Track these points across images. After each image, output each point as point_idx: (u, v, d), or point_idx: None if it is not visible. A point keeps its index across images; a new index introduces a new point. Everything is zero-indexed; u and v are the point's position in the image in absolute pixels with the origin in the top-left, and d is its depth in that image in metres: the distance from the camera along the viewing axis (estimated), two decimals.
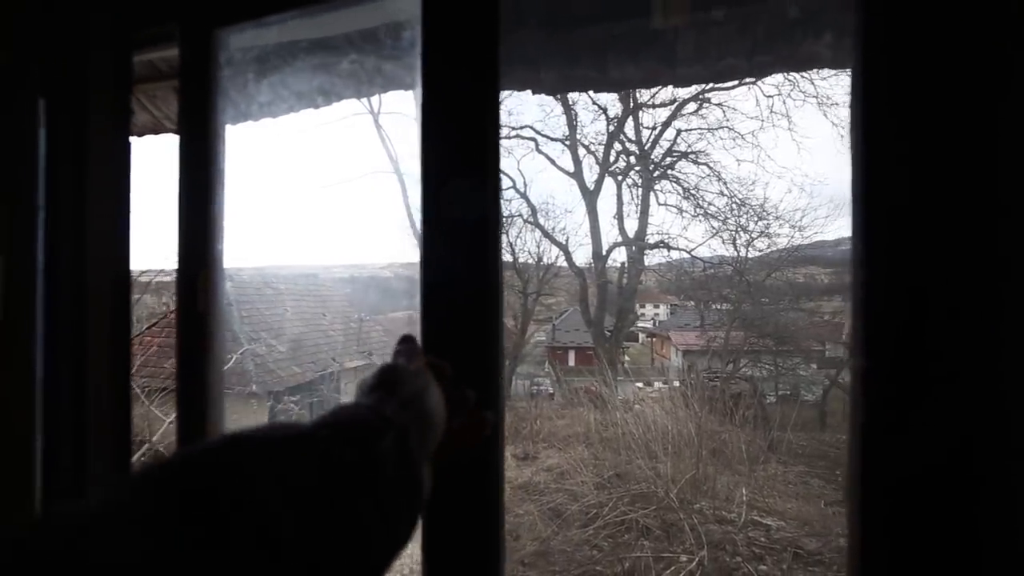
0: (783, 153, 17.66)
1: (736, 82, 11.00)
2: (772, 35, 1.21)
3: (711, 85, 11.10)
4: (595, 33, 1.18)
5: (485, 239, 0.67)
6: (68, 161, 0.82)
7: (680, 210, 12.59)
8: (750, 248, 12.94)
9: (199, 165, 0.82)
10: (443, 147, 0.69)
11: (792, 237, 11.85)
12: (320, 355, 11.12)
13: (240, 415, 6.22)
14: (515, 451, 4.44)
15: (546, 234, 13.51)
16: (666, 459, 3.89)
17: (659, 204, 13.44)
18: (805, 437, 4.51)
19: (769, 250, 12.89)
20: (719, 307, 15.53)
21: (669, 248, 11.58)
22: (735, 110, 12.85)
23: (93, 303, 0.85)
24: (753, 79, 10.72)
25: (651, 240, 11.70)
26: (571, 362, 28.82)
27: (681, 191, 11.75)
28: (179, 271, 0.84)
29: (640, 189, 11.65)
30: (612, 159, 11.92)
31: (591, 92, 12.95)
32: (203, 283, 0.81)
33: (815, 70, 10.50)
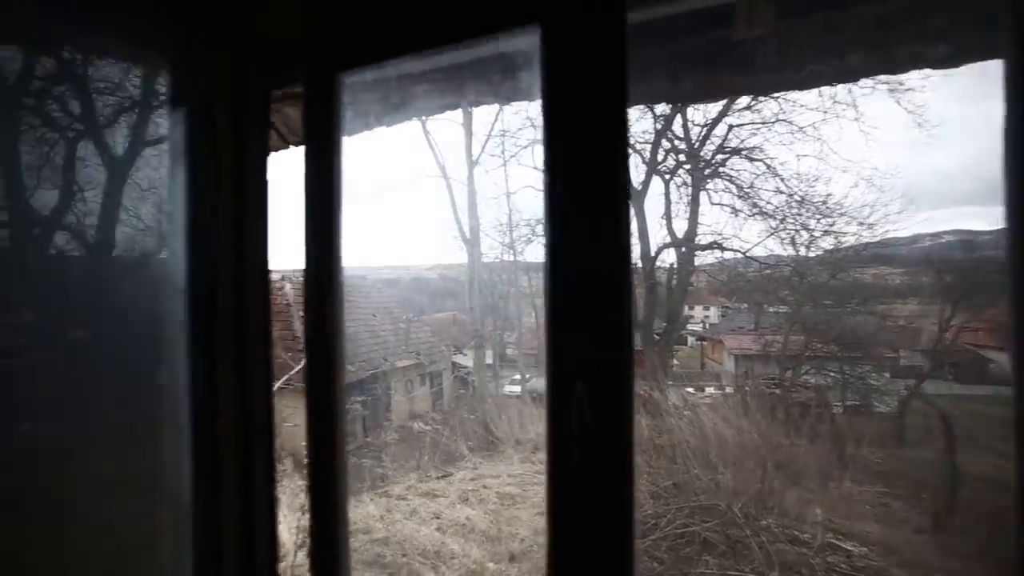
0: (848, 145, 16.39)
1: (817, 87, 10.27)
2: (865, 38, 1.13)
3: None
4: (670, 47, 1.16)
5: (619, 276, 0.69)
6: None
7: (734, 209, 11.96)
8: (811, 247, 12.09)
9: (324, 190, 0.93)
10: (571, 192, 0.71)
11: (859, 235, 10.95)
12: (371, 354, 11.55)
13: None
14: None
15: None
16: (726, 470, 3.71)
17: (711, 204, 12.79)
18: (882, 453, 4.14)
19: (833, 249, 11.98)
20: (776, 310, 14.62)
21: (722, 249, 11.06)
22: (793, 102, 12.06)
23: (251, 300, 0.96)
24: (840, 83, 9.90)
25: (702, 240, 11.23)
26: None
27: (735, 189, 11.16)
28: (306, 273, 0.95)
29: (690, 188, 11.20)
30: (660, 158, 11.55)
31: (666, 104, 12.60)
32: (329, 306, 0.89)
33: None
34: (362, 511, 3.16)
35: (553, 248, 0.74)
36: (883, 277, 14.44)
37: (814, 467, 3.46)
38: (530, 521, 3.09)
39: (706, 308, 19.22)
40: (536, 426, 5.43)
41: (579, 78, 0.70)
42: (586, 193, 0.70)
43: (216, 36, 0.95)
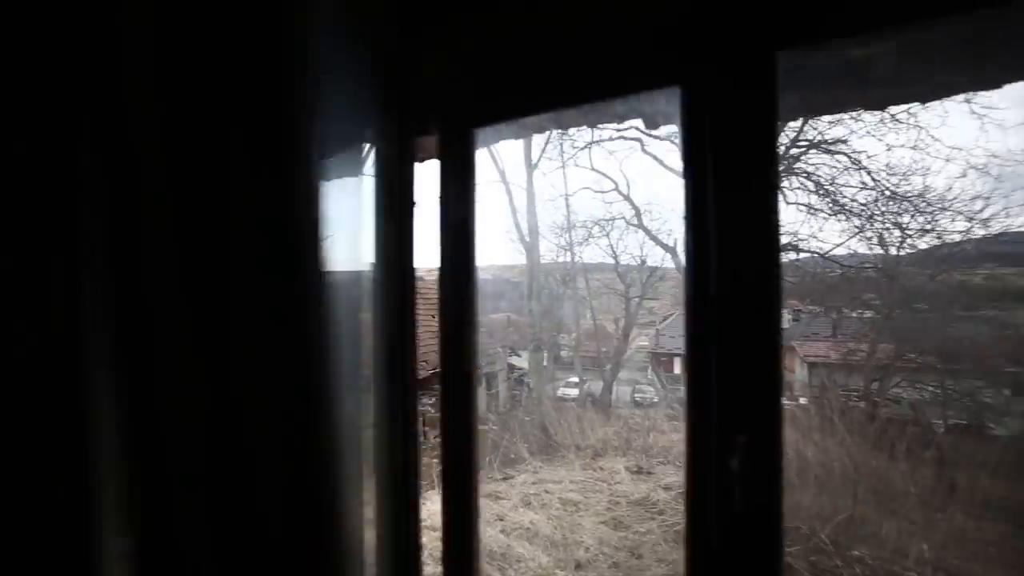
0: (955, 130, 14.54)
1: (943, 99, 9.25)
2: (1010, 42, 1.00)
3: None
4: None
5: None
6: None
7: (810, 208, 11.07)
8: (903, 247, 10.81)
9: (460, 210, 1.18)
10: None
11: (969, 231, 9.61)
12: (431, 355, 11.96)
13: None
14: (628, 464, 4.28)
15: (651, 236, 12.86)
16: (805, 491, 3.44)
17: (786, 203, 11.96)
18: (1001, 484, 3.59)
19: (932, 247, 10.62)
20: (858, 315, 13.27)
21: (798, 251, 10.21)
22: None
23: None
24: (974, 93, 8.84)
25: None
26: (677, 369, 27.04)
27: (812, 186, 10.23)
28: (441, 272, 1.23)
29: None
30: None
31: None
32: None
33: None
34: (431, 508, 3.28)
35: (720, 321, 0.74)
36: (999, 278, 12.63)
37: (915, 494, 3.11)
38: (594, 529, 3.05)
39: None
40: (596, 431, 5.34)
41: (730, 157, 0.69)
42: (738, 279, 0.69)
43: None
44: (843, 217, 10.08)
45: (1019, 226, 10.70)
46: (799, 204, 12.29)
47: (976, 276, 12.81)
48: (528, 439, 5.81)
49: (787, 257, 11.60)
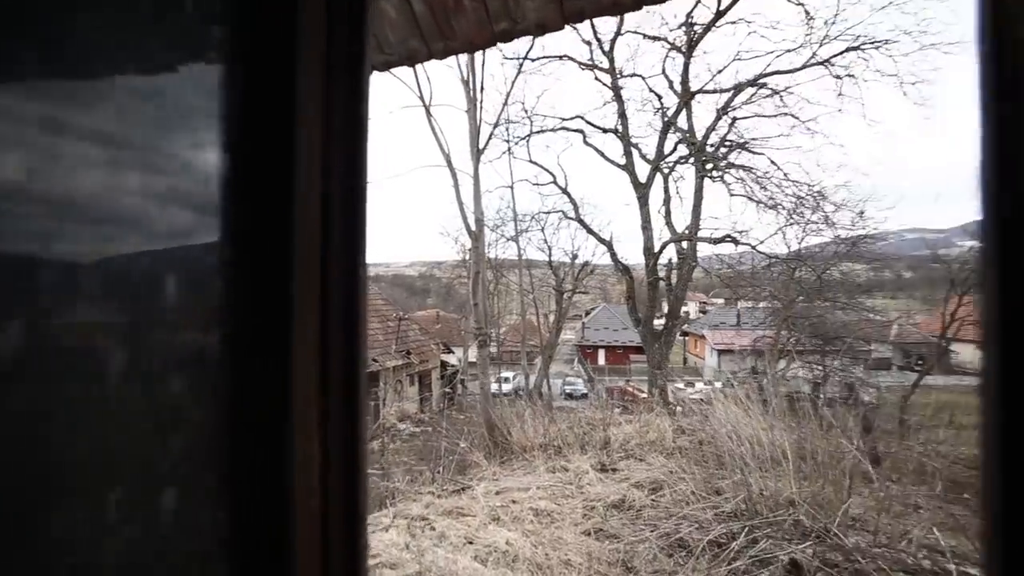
0: (850, 139, 17.07)
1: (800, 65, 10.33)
2: None
3: (771, 69, 10.45)
4: None
5: None
6: None
7: (730, 205, 12.02)
8: (803, 243, 12.20)
9: None
10: None
11: (851, 229, 11.10)
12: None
13: None
14: (592, 462, 4.06)
15: (589, 230, 12.98)
16: (766, 475, 3.48)
17: (711, 199, 12.89)
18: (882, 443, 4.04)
19: (826, 243, 12.10)
20: (765, 305, 14.78)
21: (715, 242, 10.98)
22: (795, 94, 12.06)
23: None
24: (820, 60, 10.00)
25: (703, 235, 11.09)
26: (601, 361, 28.32)
27: (737, 183, 11.06)
28: None
29: (693, 182, 11.07)
30: (665, 151, 11.35)
31: (645, 78, 12.20)
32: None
33: (894, 44, 9.77)
34: (384, 538, 2.72)
35: None
36: (863, 273, 14.86)
37: (855, 469, 3.25)
38: (578, 543, 2.73)
39: (684, 304, 19.51)
40: (549, 428, 5.07)
41: None
42: None
43: None
44: (762, 212, 11.05)
45: (880, 227, 12.47)
46: (721, 199, 13.23)
47: (854, 271, 14.78)
48: (475, 440, 5.37)
49: (708, 251, 12.42)
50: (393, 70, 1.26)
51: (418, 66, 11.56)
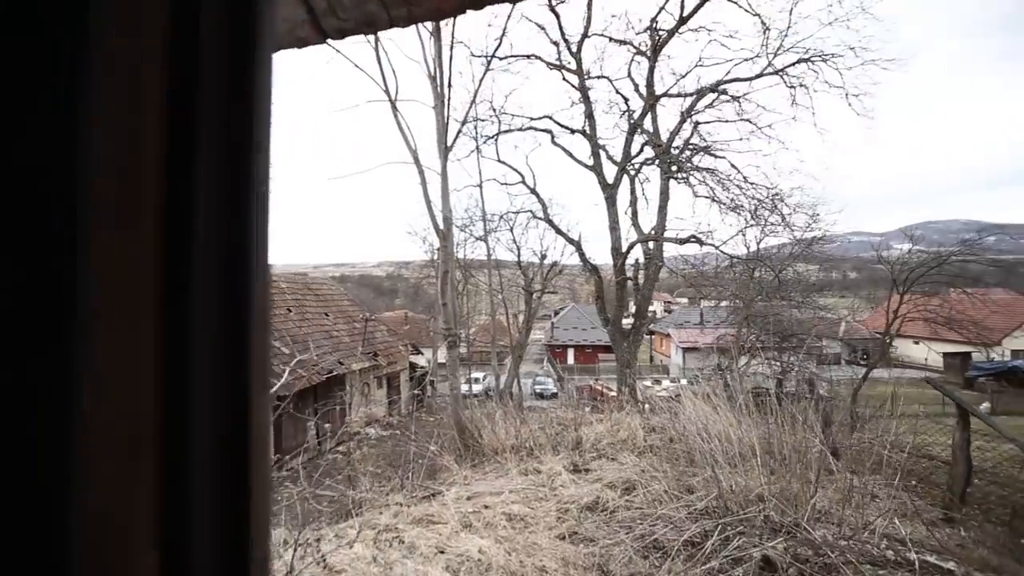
0: (803, 145, 18.03)
1: (757, 74, 10.75)
2: None
3: (731, 76, 10.83)
4: None
5: None
6: None
7: (694, 206, 12.40)
8: (762, 244, 12.76)
9: None
10: None
11: (806, 231, 11.70)
12: (327, 357, 10.43)
13: None
14: (564, 463, 4.02)
15: (558, 231, 13.04)
16: (736, 471, 3.54)
17: (676, 200, 13.24)
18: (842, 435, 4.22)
19: (783, 244, 12.71)
20: (727, 304, 15.35)
21: (681, 243, 11.28)
22: (752, 101, 12.58)
23: None
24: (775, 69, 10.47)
25: (669, 235, 11.34)
26: (571, 360, 28.58)
27: (701, 185, 11.40)
28: None
29: (659, 183, 11.30)
30: (632, 153, 11.53)
31: (612, 80, 12.42)
32: None
33: (840, 58, 10.33)
34: (350, 553, 2.56)
35: None
36: (815, 273, 15.68)
37: (818, 463, 3.36)
38: (553, 548, 2.67)
39: (651, 303, 19.98)
40: (521, 429, 4.99)
41: None
42: None
43: None
44: (724, 214, 11.42)
45: (830, 230, 13.17)
46: (685, 201, 13.58)
47: (807, 271, 15.57)
48: (446, 444, 5.23)
49: (675, 251, 12.73)
50: (349, 38, 1.13)
51: (383, 58, 11.15)
